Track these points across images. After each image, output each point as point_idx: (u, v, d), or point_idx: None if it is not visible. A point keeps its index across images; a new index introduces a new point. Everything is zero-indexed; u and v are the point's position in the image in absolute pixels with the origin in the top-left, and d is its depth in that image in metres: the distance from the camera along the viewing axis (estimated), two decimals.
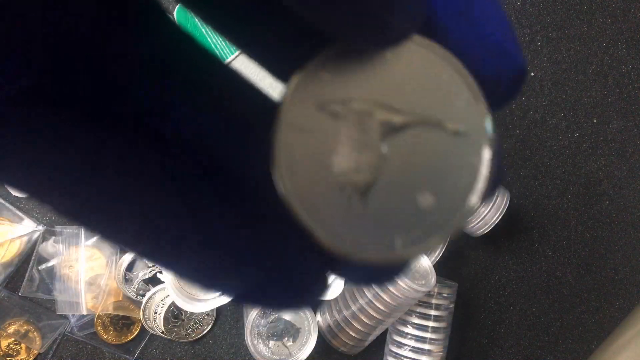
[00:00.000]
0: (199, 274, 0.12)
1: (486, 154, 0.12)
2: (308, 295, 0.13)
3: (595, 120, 0.64)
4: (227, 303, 0.55)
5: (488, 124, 0.12)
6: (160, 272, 0.57)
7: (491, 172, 0.12)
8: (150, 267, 0.58)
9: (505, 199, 0.58)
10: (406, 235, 0.12)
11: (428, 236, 0.12)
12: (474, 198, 0.12)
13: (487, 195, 0.13)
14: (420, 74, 0.12)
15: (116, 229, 0.11)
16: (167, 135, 0.12)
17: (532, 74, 0.63)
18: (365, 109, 0.12)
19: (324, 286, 0.13)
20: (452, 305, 0.57)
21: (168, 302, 0.56)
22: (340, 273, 0.13)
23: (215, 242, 0.12)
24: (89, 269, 0.56)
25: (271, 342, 0.56)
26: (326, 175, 0.12)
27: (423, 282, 0.52)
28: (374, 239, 0.12)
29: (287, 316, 0.56)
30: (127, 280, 0.57)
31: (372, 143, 0.12)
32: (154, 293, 0.56)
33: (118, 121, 0.11)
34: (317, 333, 0.56)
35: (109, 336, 0.57)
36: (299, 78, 0.12)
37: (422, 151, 0.12)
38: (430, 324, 0.55)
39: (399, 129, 0.12)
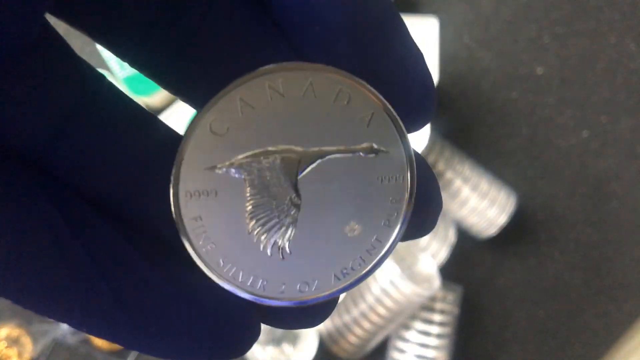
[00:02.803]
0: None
1: (407, 167, 0.12)
2: (236, 343, 0.13)
3: (604, 119, 0.63)
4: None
5: (402, 136, 0.12)
6: None
7: (421, 188, 0.12)
8: None
9: (511, 200, 0.57)
10: (333, 271, 0.12)
11: (358, 268, 0.12)
12: (403, 216, 0.12)
13: (425, 219, 0.13)
14: (315, 101, 0.12)
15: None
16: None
17: (540, 71, 0.62)
18: (263, 156, 0.12)
19: (253, 335, 0.13)
20: (457, 310, 0.56)
21: None
22: (266, 320, 0.13)
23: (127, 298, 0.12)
24: None
25: (269, 348, 0.55)
26: (242, 236, 0.12)
27: (427, 286, 0.51)
28: (299, 283, 0.12)
29: None
30: None
31: (282, 189, 0.12)
32: None
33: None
34: (317, 339, 0.54)
35: (102, 342, 0.56)
36: (189, 139, 0.12)
37: (339, 180, 0.12)
38: (435, 329, 0.54)
39: (304, 167, 0.12)
